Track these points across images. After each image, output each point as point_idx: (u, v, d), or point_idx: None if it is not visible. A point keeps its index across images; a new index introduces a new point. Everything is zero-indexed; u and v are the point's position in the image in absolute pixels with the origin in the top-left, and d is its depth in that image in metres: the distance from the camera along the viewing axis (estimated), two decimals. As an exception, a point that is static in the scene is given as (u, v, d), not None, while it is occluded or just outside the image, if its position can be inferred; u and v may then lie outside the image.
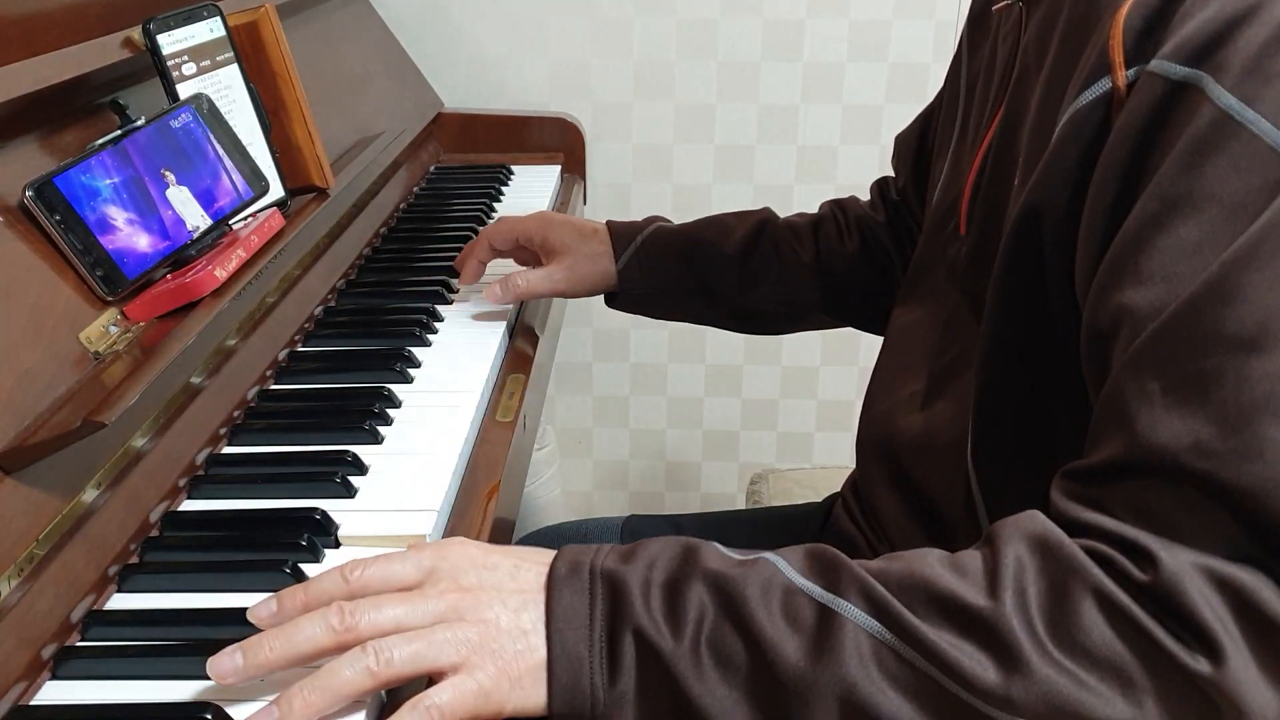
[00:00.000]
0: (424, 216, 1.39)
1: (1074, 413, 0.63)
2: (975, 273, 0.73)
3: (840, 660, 0.53)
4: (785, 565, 0.57)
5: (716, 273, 1.05)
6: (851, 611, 0.54)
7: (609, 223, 1.08)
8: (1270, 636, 0.50)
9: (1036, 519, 0.56)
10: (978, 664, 0.52)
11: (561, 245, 1.05)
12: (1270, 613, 0.50)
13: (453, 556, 0.59)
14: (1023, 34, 0.73)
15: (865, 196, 1.11)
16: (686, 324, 1.14)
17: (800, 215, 1.09)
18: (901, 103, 1.70)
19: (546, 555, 0.60)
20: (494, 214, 1.42)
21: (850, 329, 1.13)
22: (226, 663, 0.56)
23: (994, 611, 0.52)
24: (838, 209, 1.08)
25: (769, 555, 0.58)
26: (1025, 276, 0.65)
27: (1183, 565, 0.51)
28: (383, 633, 0.55)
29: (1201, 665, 0.50)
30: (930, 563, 0.55)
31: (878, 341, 0.94)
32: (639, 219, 1.09)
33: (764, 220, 1.07)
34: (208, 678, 0.61)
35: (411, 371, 0.96)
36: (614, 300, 1.08)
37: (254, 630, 0.58)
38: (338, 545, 0.73)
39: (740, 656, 0.54)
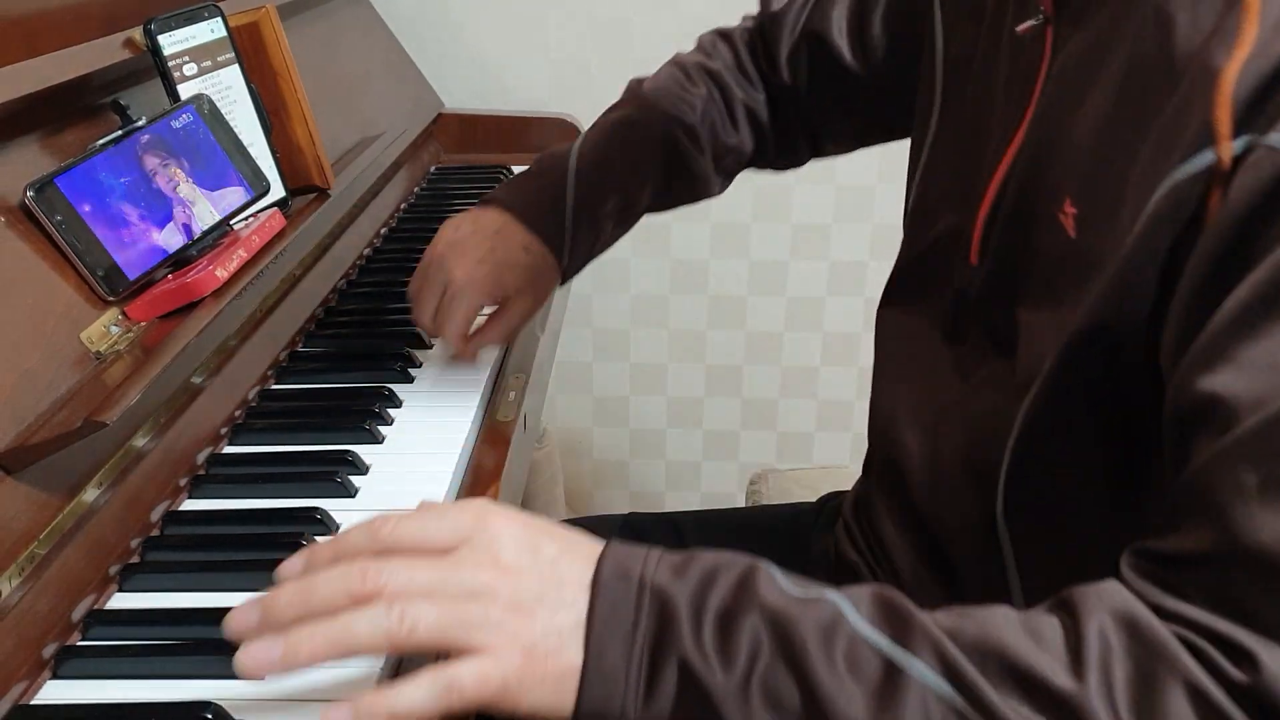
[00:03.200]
0: (425, 217, 1.38)
1: (1110, 470, 0.62)
2: (994, 305, 0.70)
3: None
4: (851, 610, 0.52)
5: (643, 211, 1.02)
6: (920, 670, 0.50)
7: (540, 223, 0.97)
8: None
9: (1122, 593, 0.51)
10: None
11: (517, 289, 0.96)
12: None
13: (494, 528, 0.55)
14: (1051, 55, 0.69)
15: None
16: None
17: (686, 101, 1.01)
18: (901, 103, 1.70)
19: (593, 549, 0.56)
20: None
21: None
22: (241, 617, 0.54)
23: (1078, 694, 0.48)
24: (717, 89, 1.02)
25: (833, 595, 0.54)
26: (1099, 349, 0.60)
27: None
28: (409, 598, 0.52)
29: None
30: (1006, 627, 0.51)
31: (874, 356, 0.93)
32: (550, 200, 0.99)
33: (669, 159, 1.00)
34: (208, 676, 0.61)
35: (412, 371, 0.96)
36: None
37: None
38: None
39: (794, 702, 0.50)
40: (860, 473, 0.93)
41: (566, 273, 0.99)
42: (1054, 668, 0.49)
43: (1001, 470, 0.68)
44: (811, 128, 1.06)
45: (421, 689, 0.52)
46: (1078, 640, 0.50)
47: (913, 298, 0.85)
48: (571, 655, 0.53)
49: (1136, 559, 0.54)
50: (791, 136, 1.06)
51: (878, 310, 0.90)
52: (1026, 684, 0.49)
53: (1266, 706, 0.46)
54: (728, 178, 1.06)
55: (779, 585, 0.54)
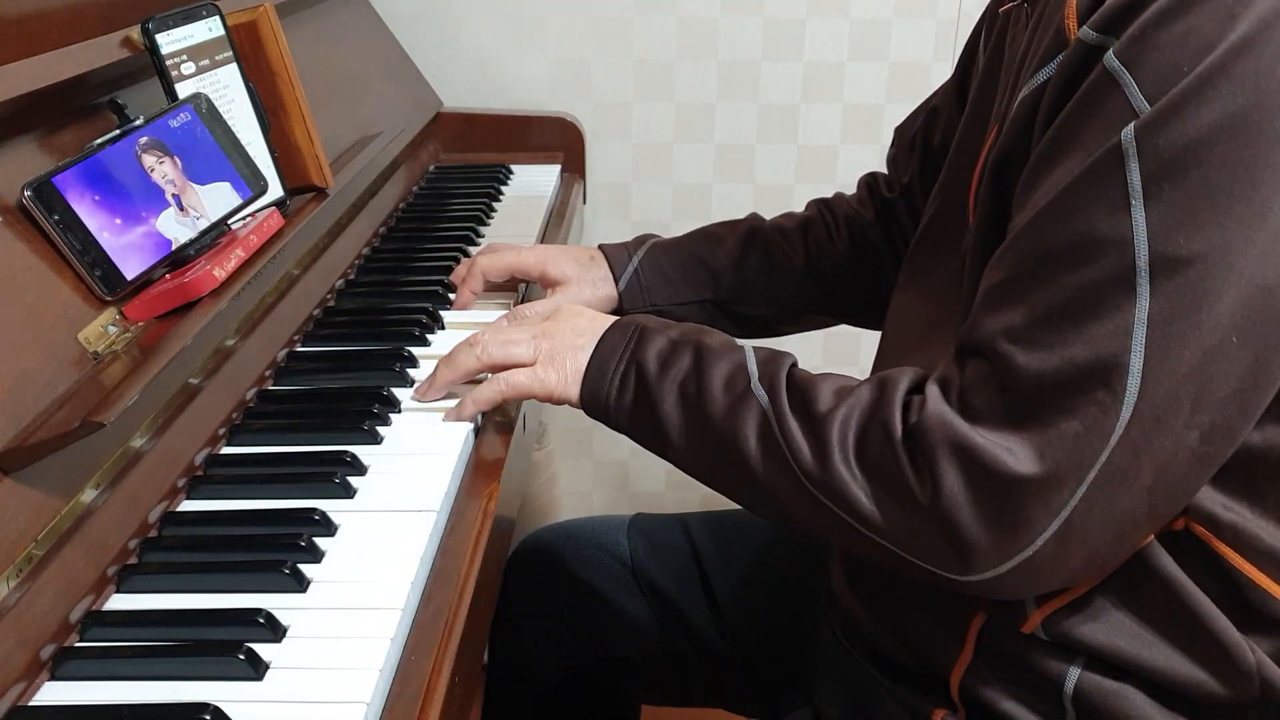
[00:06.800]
0: (423, 216, 1.38)
1: None
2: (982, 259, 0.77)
3: (740, 415, 0.75)
4: (750, 355, 0.78)
5: (711, 284, 1.09)
6: (759, 390, 0.75)
7: (602, 247, 1.11)
8: (988, 485, 0.64)
9: (902, 369, 0.73)
10: (803, 447, 0.72)
11: (563, 276, 1.08)
12: (992, 468, 0.64)
13: (566, 308, 0.89)
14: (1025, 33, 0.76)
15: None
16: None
17: (788, 217, 1.12)
18: (901, 102, 1.70)
19: (610, 318, 0.86)
20: (493, 214, 1.42)
21: (850, 328, 1.13)
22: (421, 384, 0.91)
23: (824, 419, 0.71)
24: (825, 209, 1.11)
25: (746, 344, 0.80)
26: (996, 227, 0.74)
27: (937, 418, 0.66)
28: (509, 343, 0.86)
29: (924, 496, 0.67)
30: (829, 379, 0.75)
31: (878, 341, 0.94)
32: (629, 240, 1.12)
33: (753, 228, 1.10)
34: (207, 678, 0.61)
35: (411, 372, 0.96)
36: None
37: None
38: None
39: (693, 395, 0.78)
40: None
41: (623, 295, 1.09)
42: (824, 404, 0.72)
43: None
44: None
45: (491, 387, 0.86)
46: (848, 392, 0.73)
47: (919, 272, 0.89)
48: (584, 364, 0.83)
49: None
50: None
51: (892, 295, 0.93)
52: (806, 409, 0.73)
53: (916, 442, 0.68)
54: (819, 278, 1.09)
55: (721, 337, 0.81)
